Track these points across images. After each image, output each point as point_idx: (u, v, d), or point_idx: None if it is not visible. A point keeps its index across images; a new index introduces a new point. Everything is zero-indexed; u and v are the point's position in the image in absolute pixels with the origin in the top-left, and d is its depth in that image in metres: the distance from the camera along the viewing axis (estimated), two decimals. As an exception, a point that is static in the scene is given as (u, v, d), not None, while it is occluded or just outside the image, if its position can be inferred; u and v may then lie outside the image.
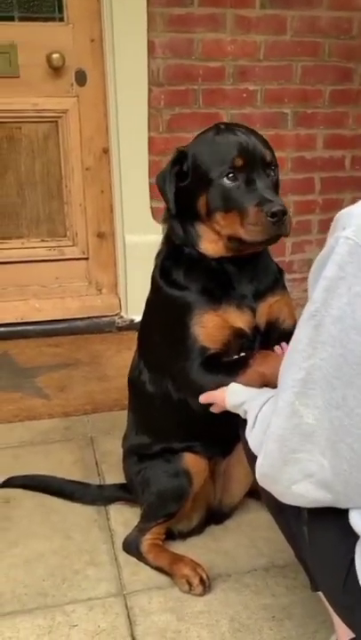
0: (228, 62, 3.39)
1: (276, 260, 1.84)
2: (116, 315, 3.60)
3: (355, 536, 1.16)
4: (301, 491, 1.17)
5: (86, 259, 3.61)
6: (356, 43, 3.54)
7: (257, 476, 1.25)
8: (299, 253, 3.79)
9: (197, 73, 3.36)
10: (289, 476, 1.17)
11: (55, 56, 3.24)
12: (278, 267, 1.82)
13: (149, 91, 3.31)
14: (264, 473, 1.21)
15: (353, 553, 1.16)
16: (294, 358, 1.10)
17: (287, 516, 1.34)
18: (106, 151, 3.46)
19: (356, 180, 3.79)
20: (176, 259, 1.72)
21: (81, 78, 3.34)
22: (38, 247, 3.52)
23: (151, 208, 3.40)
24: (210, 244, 1.66)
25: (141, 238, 3.29)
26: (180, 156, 1.66)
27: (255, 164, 1.57)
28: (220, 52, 3.36)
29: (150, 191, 3.37)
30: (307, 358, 1.08)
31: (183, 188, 1.66)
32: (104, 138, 3.44)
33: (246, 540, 2.00)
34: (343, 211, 1.10)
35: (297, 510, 1.26)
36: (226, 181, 1.57)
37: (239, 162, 1.56)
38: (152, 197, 3.37)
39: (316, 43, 3.49)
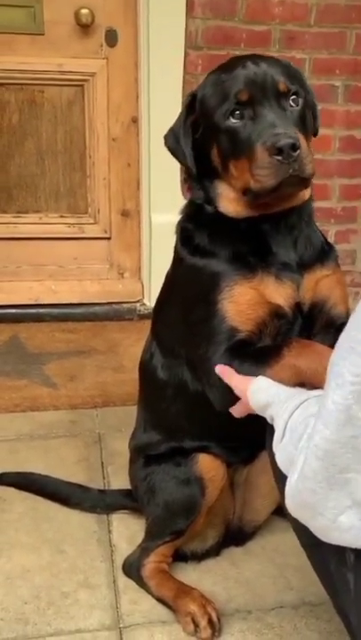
0: (275, 26, 3.09)
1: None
2: (137, 301, 3.32)
3: None
4: (351, 522, 0.85)
5: (108, 238, 3.32)
6: None
7: (289, 506, 0.92)
8: (343, 243, 3.45)
9: (240, 37, 3.06)
10: (335, 504, 0.85)
11: (84, 12, 2.96)
12: (327, 240, 1.51)
13: (186, 54, 3.02)
14: (302, 502, 0.88)
15: None
16: (355, 346, 0.77)
17: (325, 555, 1.02)
18: (135, 120, 3.18)
19: None
20: (198, 220, 1.46)
21: (111, 38, 3.06)
22: (57, 223, 3.25)
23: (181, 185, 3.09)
24: (230, 204, 1.40)
25: (169, 218, 2.91)
26: (194, 101, 1.43)
27: (265, 95, 1.32)
28: (267, 14, 3.06)
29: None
30: None
31: (198, 141, 1.42)
32: (134, 105, 3.16)
33: (272, 569, 1.69)
34: None
35: (340, 549, 0.94)
36: (232, 121, 1.33)
37: (244, 96, 1.32)
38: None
39: (375, 8, 3.15)
